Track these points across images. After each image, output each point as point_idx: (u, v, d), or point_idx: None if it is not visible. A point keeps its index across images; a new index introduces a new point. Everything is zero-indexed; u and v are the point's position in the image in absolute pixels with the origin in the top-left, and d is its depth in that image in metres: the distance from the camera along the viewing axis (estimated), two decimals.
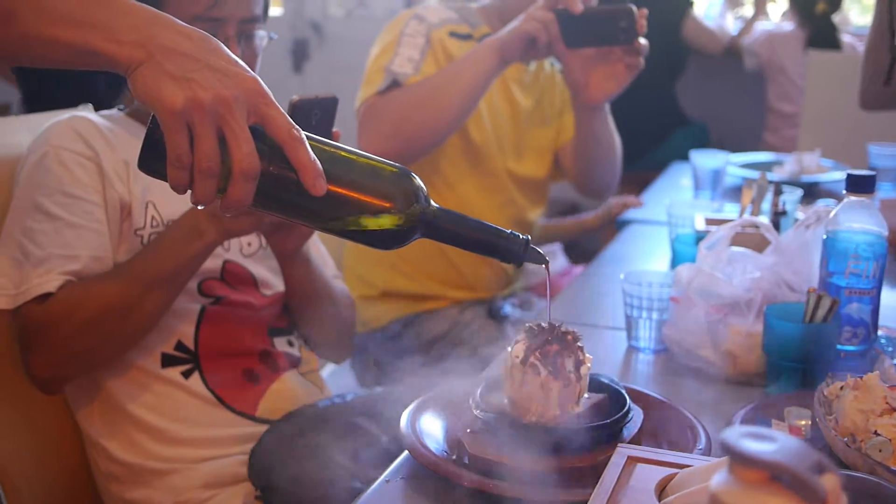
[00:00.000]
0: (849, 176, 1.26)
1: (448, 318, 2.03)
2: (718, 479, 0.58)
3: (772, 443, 0.57)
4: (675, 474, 0.86)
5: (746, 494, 0.56)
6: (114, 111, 1.53)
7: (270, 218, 1.31)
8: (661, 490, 0.85)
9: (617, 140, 2.10)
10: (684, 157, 2.61)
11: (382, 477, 1.05)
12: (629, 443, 1.04)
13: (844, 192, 1.27)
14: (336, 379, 2.16)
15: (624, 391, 1.09)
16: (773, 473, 0.56)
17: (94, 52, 0.87)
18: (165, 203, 1.41)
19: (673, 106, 4.24)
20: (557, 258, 2.68)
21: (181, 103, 0.82)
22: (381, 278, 2.06)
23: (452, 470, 0.99)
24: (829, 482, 0.56)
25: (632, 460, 0.89)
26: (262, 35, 1.47)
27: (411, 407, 1.13)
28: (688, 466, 0.86)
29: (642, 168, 3.69)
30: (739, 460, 0.57)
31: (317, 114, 1.31)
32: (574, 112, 2.00)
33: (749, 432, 0.58)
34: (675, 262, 1.60)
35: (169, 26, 0.87)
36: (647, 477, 0.85)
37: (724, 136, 4.37)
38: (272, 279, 1.54)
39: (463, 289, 2.06)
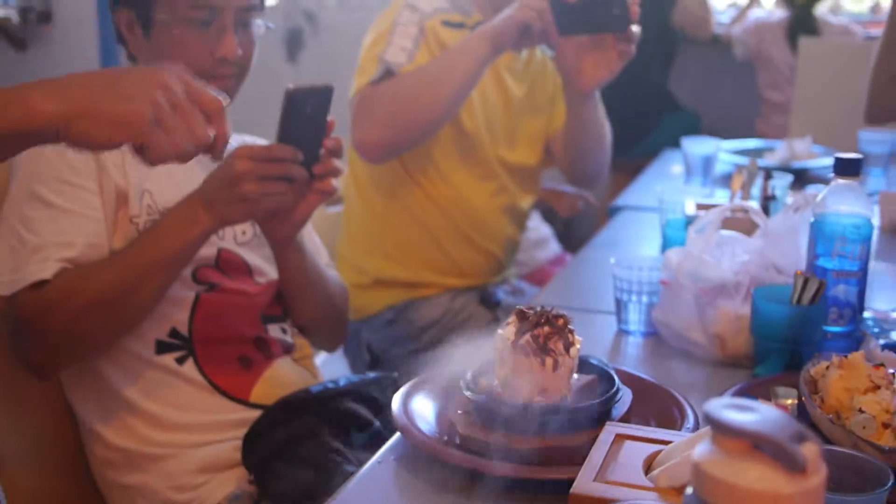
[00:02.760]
0: (836, 159, 1.28)
1: (440, 305, 2.05)
2: (701, 449, 0.59)
3: (753, 413, 0.58)
4: (661, 451, 0.88)
5: (729, 464, 0.58)
6: None
7: (265, 206, 1.33)
8: (648, 466, 0.86)
9: (607, 128, 2.11)
10: (675, 144, 2.62)
11: (375, 458, 1.07)
12: (618, 422, 1.05)
13: (832, 175, 1.29)
14: (329, 366, 2.18)
15: (613, 372, 1.11)
16: (754, 443, 0.57)
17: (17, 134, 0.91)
18: (161, 191, 1.42)
19: (664, 93, 4.24)
20: (550, 245, 2.69)
21: (147, 111, 0.86)
22: (374, 266, 2.08)
23: (443, 450, 1.01)
24: (810, 451, 0.57)
25: (620, 438, 0.90)
26: (259, 24, 1.48)
27: (403, 389, 1.14)
28: (673, 442, 0.88)
29: (634, 155, 3.70)
30: (721, 430, 0.58)
31: (312, 102, 1.33)
32: (565, 99, 2.01)
33: (731, 403, 0.59)
34: (666, 247, 1.61)
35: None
36: (635, 453, 0.87)
37: (716, 124, 4.37)
38: (266, 267, 1.55)
39: (455, 276, 2.08)
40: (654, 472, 0.81)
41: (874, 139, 2.47)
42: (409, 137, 1.88)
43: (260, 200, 1.31)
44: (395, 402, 1.11)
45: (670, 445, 0.85)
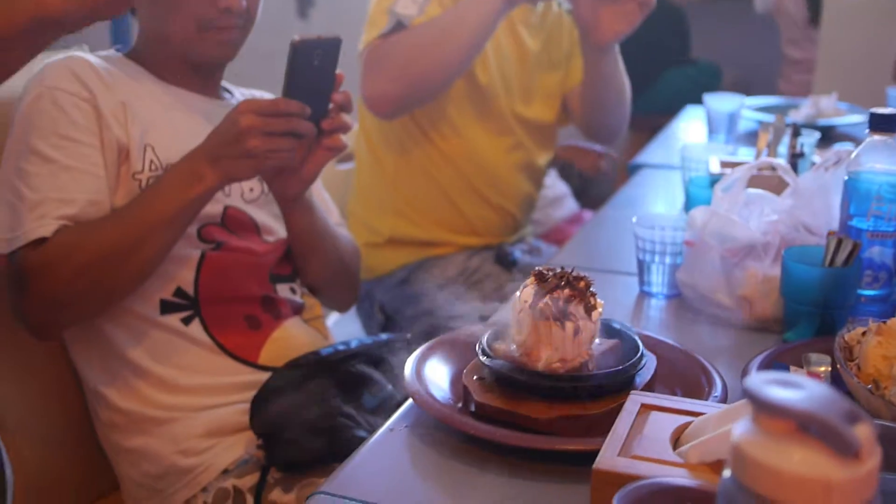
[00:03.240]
0: (872, 114, 1.21)
1: (455, 264, 1.99)
2: (741, 429, 0.54)
3: (799, 390, 0.53)
4: (691, 423, 0.82)
5: (772, 446, 0.52)
6: (111, 51, 1.48)
7: (272, 163, 1.27)
8: (676, 439, 0.81)
9: (626, 82, 2.04)
10: (696, 100, 2.55)
11: (387, 425, 1.02)
12: (642, 390, 1.00)
13: (867, 131, 1.22)
14: (341, 326, 2.13)
15: (637, 337, 1.05)
16: (801, 423, 0.52)
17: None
18: (164, 146, 1.37)
19: (683, 46, 4.14)
20: (567, 203, 2.63)
21: None
22: (387, 225, 2.02)
23: (458, 419, 0.96)
24: (863, 432, 0.51)
25: (645, 408, 0.85)
26: None
27: (416, 354, 1.09)
28: (703, 415, 0.83)
29: (652, 111, 3.62)
30: (764, 409, 0.52)
31: (319, 54, 1.27)
32: (583, 53, 1.95)
33: (774, 378, 0.54)
34: (689, 205, 1.56)
35: None
36: (662, 425, 0.82)
37: (739, 80, 4.29)
38: (274, 225, 1.50)
39: (470, 235, 2.02)
40: (685, 448, 0.76)
41: None
42: (420, 92, 1.82)
43: (266, 157, 1.25)
44: (408, 367, 1.06)
45: (701, 418, 0.80)
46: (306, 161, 1.34)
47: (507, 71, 1.97)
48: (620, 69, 1.99)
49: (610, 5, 1.78)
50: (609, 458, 0.76)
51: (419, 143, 1.97)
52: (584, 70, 1.98)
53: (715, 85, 3.92)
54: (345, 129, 1.34)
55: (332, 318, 2.08)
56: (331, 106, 1.32)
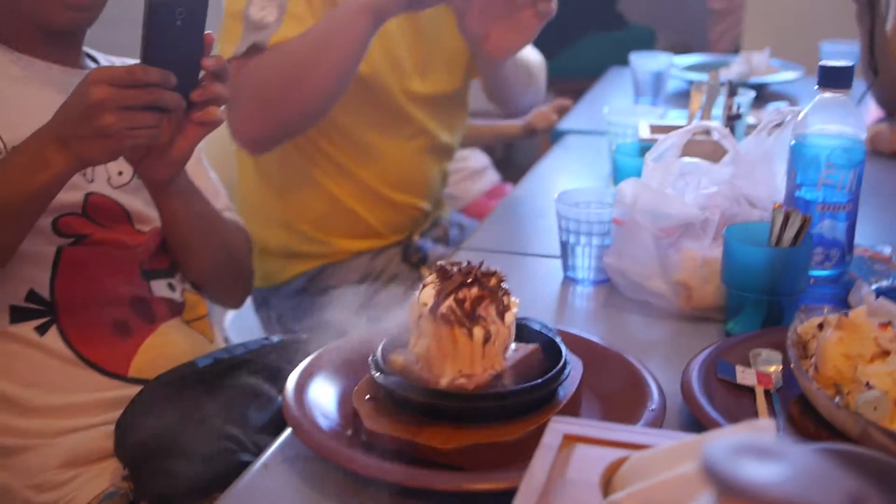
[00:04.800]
0: (822, 68, 1.07)
1: (357, 268, 1.76)
2: None
3: (781, 463, 0.37)
4: (626, 458, 0.66)
5: None
6: None
7: (133, 142, 1.07)
8: (608, 480, 0.65)
9: (535, 61, 1.86)
10: (624, 63, 2.40)
11: (261, 460, 0.85)
12: (566, 405, 0.84)
13: (816, 87, 1.07)
14: (240, 322, 1.93)
15: (559, 339, 0.89)
16: None
17: None
18: (10, 126, 1.17)
19: (611, 9, 4.00)
20: (487, 175, 2.46)
21: None
22: (277, 241, 1.78)
23: (344, 452, 0.79)
24: None
25: (569, 440, 0.68)
26: None
27: (298, 369, 0.92)
28: (641, 447, 0.66)
29: (578, 76, 3.46)
30: (734, 494, 0.36)
31: (182, 13, 1.07)
32: (477, 64, 1.75)
33: (745, 446, 0.38)
34: (618, 177, 1.40)
35: None
36: (590, 463, 0.65)
37: (676, 44, 4.14)
38: (151, 213, 1.30)
39: (372, 238, 1.79)
40: (619, 496, 0.60)
41: (839, 51, 2.27)
42: (284, 130, 1.60)
43: (124, 135, 1.05)
44: (289, 385, 0.89)
45: (638, 454, 0.64)
46: (176, 139, 1.14)
47: (393, 49, 1.70)
48: (523, 59, 1.80)
49: (502, 15, 1.56)
50: None
51: (304, 150, 1.71)
52: (481, 75, 1.79)
53: (648, 49, 3.77)
54: (219, 100, 1.14)
55: (231, 315, 1.88)
56: (201, 74, 1.13)
